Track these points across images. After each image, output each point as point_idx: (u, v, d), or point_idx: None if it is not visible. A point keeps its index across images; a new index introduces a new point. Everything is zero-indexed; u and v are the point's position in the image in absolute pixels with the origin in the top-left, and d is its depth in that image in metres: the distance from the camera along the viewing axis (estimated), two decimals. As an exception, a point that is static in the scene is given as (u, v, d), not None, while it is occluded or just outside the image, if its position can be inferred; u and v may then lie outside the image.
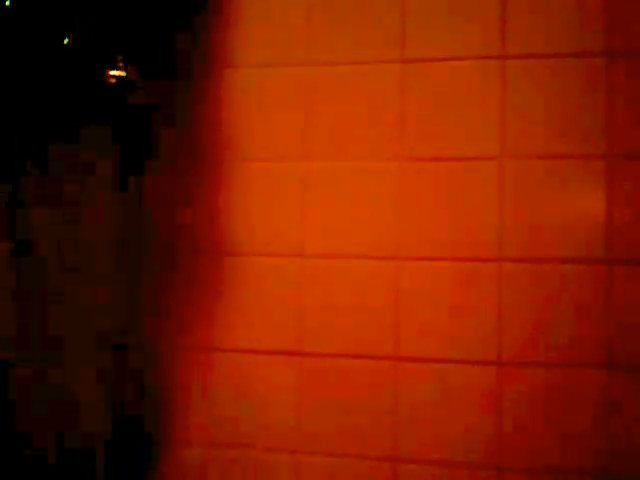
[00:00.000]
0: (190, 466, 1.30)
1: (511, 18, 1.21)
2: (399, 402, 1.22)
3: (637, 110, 1.15)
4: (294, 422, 1.26)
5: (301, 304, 1.27)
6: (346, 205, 1.26)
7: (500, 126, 1.20)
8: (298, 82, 1.29)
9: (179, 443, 1.31)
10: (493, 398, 1.18)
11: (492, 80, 1.21)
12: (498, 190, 1.20)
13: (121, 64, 1.13)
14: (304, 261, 1.27)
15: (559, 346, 1.16)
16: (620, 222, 1.15)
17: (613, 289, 1.15)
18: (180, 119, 1.34)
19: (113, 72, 1.13)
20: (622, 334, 1.14)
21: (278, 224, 1.29)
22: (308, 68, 1.29)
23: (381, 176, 1.25)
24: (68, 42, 1.05)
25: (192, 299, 1.31)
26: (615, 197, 1.15)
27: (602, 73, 1.17)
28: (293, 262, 1.27)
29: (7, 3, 0.97)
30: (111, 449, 1.30)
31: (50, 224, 1.14)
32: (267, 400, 1.27)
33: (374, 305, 1.24)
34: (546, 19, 1.19)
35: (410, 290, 1.22)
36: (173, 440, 1.31)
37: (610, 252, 1.15)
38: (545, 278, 1.17)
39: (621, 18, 1.17)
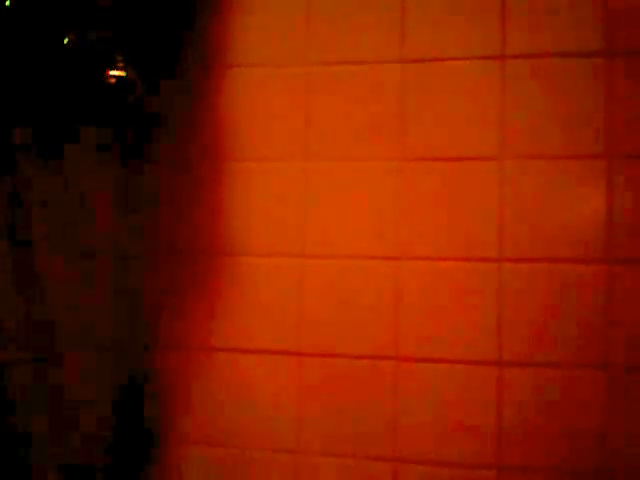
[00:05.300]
0: (189, 466, 1.30)
1: (511, 18, 1.21)
2: (399, 402, 1.22)
3: (637, 110, 1.15)
4: (294, 422, 1.26)
5: (301, 304, 1.27)
6: (346, 205, 1.26)
7: (500, 126, 1.20)
8: (298, 82, 1.29)
9: (179, 443, 1.31)
10: (493, 398, 1.18)
11: (492, 80, 1.21)
12: (498, 190, 1.20)
13: (121, 64, 1.13)
14: (304, 261, 1.27)
15: (559, 346, 1.16)
16: (620, 222, 1.15)
17: (613, 289, 1.15)
18: (180, 119, 1.34)
19: (113, 72, 1.13)
20: (622, 334, 1.14)
21: (278, 224, 1.29)
22: (308, 68, 1.29)
23: (381, 176, 1.25)
24: (68, 42, 1.05)
25: (192, 299, 1.31)
26: (615, 197, 1.15)
27: (602, 73, 1.17)
28: (293, 262, 1.27)
29: (7, 3, 0.97)
30: (111, 449, 1.30)
31: (50, 223, 1.14)
32: (267, 400, 1.27)
33: (374, 305, 1.24)
34: (546, 19, 1.19)
35: (410, 290, 1.22)
36: (173, 440, 1.31)
37: (610, 252, 1.15)
38: (545, 278, 1.17)
39: (621, 18, 1.17)
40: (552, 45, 1.19)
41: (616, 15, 1.17)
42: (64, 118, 1.13)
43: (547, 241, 1.17)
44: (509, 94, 1.20)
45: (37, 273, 1.11)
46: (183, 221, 1.33)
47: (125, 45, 1.17)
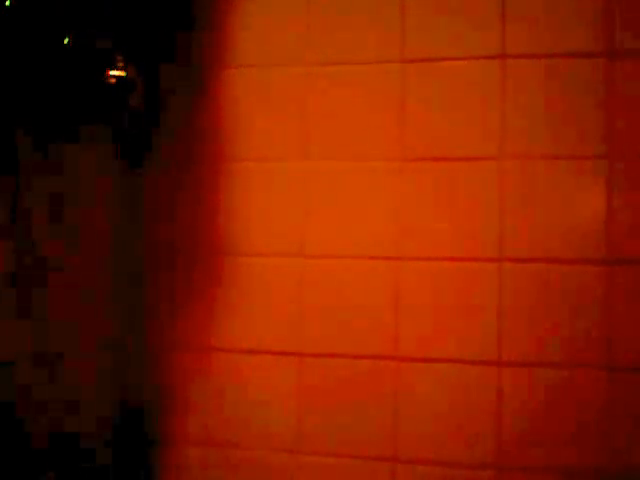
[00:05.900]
0: (189, 466, 1.30)
1: (511, 18, 1.21)
2: (399, 402, 1.22)
3: (637, 110, 1.15)
4: (294, 422, 1.26)
5: (301, 304, 1.27)
6: (346, 205, 1.26)
7: (500, 126, 1.20)
8: (298, 82, 1.29)
9: (179, 443, 1.31)
10: (493, 398, 1.18)
11: (492, 80, 1.21)
12: (498, 190, 1.20)
13: (121, 64, 1.13)
14: (304, 261, 1.27)
15: (559, 346, 1.16)
16: (620, 222, 1.15)
17: (613, 289, 1.15)
18: (180, 119, 1.34)
19: (113, 72, 1.13)
20: (622, 334, 1.14)
21: (278, 224, 1.29)
22: (308, 68, 1.29)
23: (381, 176, 1.25)
24: (68, 42, 1.05)
25: (192, 299, 1.32)
26: (615, 197, 1.15)
27: (602, 73, 1.17)
28: (293, 262, 1.27)
29: (7, 3, 0.97)
30: (111, 449, 1.30)
31: (50, 220, 1.14)
32: (267, 400, 1.27)
33: (374, 305, 1.24)
34: (546, 19, 1.19)
35: (410, 290, 1.22)
36: (173, 440, 1.31)
37: (610, 252, 1.15)
38: (545, 278, 1.17)
39: (621, 18, 1.16)
40: (552, 45, 1.19)
41: (616, 15, 1.17)
42: (64, 118, 1.13)
43: (547, 241, 1.17)
44: (509, 94, 1.20)
45: (37, 272, 1.11)
46: (183, 221, 1.33)
47: (125, 45, 1.17)
